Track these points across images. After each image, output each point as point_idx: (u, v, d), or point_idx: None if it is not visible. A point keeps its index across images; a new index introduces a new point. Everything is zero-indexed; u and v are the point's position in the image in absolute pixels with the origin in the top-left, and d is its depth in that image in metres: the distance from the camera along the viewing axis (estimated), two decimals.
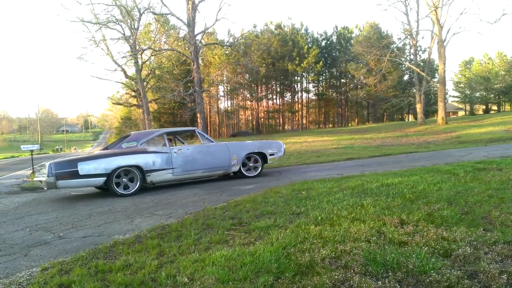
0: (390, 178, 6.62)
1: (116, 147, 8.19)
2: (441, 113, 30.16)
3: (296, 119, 54.46)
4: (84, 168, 7.25)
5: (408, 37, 35.54)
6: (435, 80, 40.44)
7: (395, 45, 38.98)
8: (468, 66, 66.95)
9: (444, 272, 2.68)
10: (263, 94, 50.15)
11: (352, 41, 48.67)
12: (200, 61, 37.49)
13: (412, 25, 33.35)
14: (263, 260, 3.09)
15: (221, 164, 8.71)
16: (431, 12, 29.27)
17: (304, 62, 43.34)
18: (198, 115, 30.50)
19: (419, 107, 34.00)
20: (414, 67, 33.27)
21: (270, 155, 9.36)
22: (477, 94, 64.26)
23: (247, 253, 3.31)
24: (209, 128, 48.24)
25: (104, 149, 8.85)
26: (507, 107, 61.68)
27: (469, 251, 3.06)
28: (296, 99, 54.03)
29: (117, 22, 27.99)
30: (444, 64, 29.46)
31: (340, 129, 42.56)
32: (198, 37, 31.03)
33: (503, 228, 3.64)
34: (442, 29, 29.17)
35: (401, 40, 41.92)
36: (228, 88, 49.35)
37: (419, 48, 44.46)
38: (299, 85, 52.50)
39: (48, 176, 7.07)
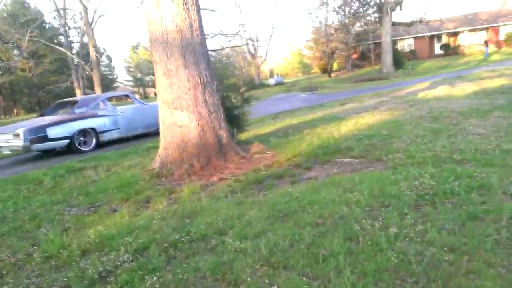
0: None
1: (70, 112, 9.27)
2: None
3: None
4: (52, 132, 8.39)
5: (57, 17, 32.32)
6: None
7: (47, 25, 34.76)
8: (136, 50, 69.57)
9: None
10: None
11: None
12: None
13: (59, 4, 30.25)
14: None
15: (155, 123, 10.67)
16: None
17: None
18: None
19: (79, 93, 31.84)
20: (64, 50, 30.60)
21: None
22: (147, 78, 68.00)
23: None
24: None
25: (40, 115, 10.24)
26: None
27: None
28: None
29: None
30: (94, 46, 28.30)
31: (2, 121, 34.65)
32: None
33: None
34: (87, 10, 27.73)
35: (56, 19, 37.83)
36: None
37: (77, 31, 41.68)
38: None
39: (24, 142, 8.03)
